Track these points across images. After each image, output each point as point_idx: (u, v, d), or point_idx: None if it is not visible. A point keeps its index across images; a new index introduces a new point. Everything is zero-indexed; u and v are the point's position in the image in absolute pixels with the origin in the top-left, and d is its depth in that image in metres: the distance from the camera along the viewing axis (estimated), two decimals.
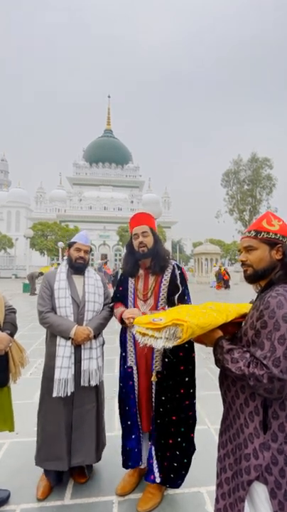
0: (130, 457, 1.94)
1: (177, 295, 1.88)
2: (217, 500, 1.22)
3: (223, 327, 1.25)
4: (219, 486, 1.22)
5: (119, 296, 2.06)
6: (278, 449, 1.04)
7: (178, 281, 1.92)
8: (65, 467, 1.90)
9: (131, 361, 1.95)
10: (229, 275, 20.14)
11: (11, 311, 1.97)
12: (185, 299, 1.90)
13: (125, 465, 1.97)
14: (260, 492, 1.06)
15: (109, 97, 69.92)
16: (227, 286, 19.90)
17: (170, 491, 2.00)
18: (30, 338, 5.89)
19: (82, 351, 1.97)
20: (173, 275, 1.93)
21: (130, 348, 1.96)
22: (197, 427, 2.10)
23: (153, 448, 1.86)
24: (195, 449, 1.95)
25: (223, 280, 20.00)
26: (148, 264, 1.95)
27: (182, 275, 1.97)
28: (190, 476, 2.04)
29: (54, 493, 1.97)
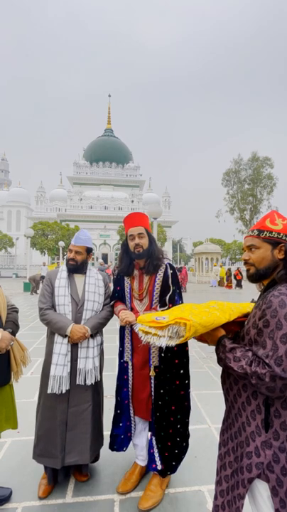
0: (115, 441, 2.08)
1: (168, 296, 1.93)
2: (215, 497, 1.23)
3: (226, 326, 1.26)
4: (218, 483, 1.24)
5: (117, 296, 2.12)
6: (279, 447, 1.04)
7: (170, 282, 1.95)
8: (58, 465, 1.91)
9: (126, 356, 2.02)
10: (241, 275, 20.13)
11: (13, 310, 1.98)
12: (175, 299, 1.93)
13: (110, 447, 2.10)
14: (261, 490, 1.06)
15: (109, 96, 69.89)
16: (240, 286, 19.93)
17: (171, 490, 2.01)
18: (31, 337, 5.90)
19: (79, 350, 1.98)
20: (166, 275, 1.97)
21: (127, 343, 2.03)
22: (198, 426, 2.12)
23: (153, 439, 1.94)
24: (188, 436, 2.04)
25: (236, 280, 19.99)
26: (142, 265, 1.99)
27: (174, 275, 1.99)
28: (191, 474, 2.06)
29: (55, 491, 1.98)
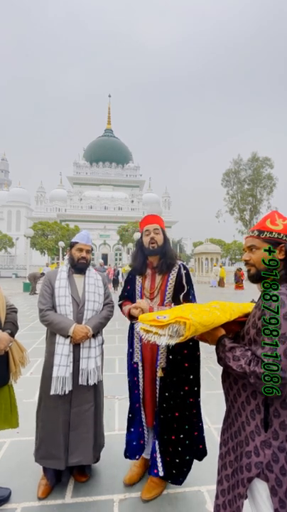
0: (128, 448, 2.04)
1: (182, 294, 1.93)
2: (216, 497, 1.24)
3: (226, 326, 1.26)
4: (219, 482, 1.24)
5: (127, 295, 2.11)
6: (279, 446, 1.04)
7: (184, 281, 1.96)
8: (62, 466, 1.91)
9: (136, 357, 2.01)
10: (243, 275, 20.12)
11: (12, 311, 1.97)
12: (189, 298, 1.94)
13: (124, 453, 2.06)
14: (261, 489, 1.07)
15: (109, 96, 69.95)
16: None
17: (171, 490, 2.00)
18: (30, 337, 5.89)
19: (81, 350, 1.97)
20: (179, 275, 1.98)
21: (137, 344, 2.01)
22: None
23: (156, 442, 1.90)
24: (205, 454, 1.96)
25: (240, 280, 19.96)
26: (156, 264, 2.01)
27: (188, 275, 2.01)
28: (191, 475, 2.05)
29: (55, 492, 1.98)
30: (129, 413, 2.06)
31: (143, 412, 1.99)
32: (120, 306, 2.14)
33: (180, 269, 1.99)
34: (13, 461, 2.28)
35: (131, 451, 2.01)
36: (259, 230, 1.20)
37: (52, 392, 1.87)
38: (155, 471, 1.87)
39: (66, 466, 1.93)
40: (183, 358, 1.87)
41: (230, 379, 1.24)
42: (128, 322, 2.05)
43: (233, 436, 1.20)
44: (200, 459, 1.96)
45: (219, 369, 1.26)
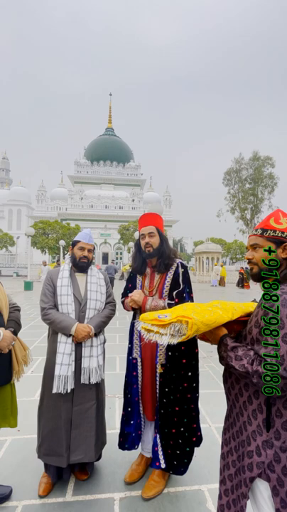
0: (127, 440, 2.07)
1: (176, 291, 1.95)
2: (220, 497, 1.23)
3: (228, 325, 1.26)
4: (222, 482, 1.23)
5: (129, 293, 2.14)
6: (280, 447, 1.04)
7: (180, 280, 1.99)
8: (64, 464, 1.91)
9: (135, 353, 2.04)
10: (247, 274, 20.12)
11: (15, 309, 1.97)
12: (183, 296, 1.96)
13: (121, 446, 2.09)
14: (262, 489, 1.06)
15: (110, 95, 69.82)
16: (242, 285, 20.00)
17: (171, 488, 2.01)
18: (31, 336, 5.90)
19: (83, 349, 1.98)
20: (176, 273, 2.01)
21: (136, 340, 2.05)
22: None
23: (157, 436, 1.95)
24: (201, 440, 2.02)
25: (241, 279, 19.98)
26: (154, 263, 2.05)
27: (185, 273, 2.03)
28: (191, 474, 2.06)
29: (55, 490, 1.98)
30: (127, 407, 2.08)
31: (141, 405, 2.04)
32: (122, 303, 2.17)
33: (177, 267, 2.02)
34: (14, 459, 2.29)
35: (131, 443, 2.06)
36: (263, 229, 1.20)
37: (54, 391, 1.88)
38: (157, 463, 1.91)
39: (68, 464, 1.93)
40: (181, 354, 1.91)
41: (232, 378, 1.23)
42: (129, 320, 2.05)
43: (235, 436, 1.20)
44: (198, 445, 2.02)
45: (220, 368, 1.26)
